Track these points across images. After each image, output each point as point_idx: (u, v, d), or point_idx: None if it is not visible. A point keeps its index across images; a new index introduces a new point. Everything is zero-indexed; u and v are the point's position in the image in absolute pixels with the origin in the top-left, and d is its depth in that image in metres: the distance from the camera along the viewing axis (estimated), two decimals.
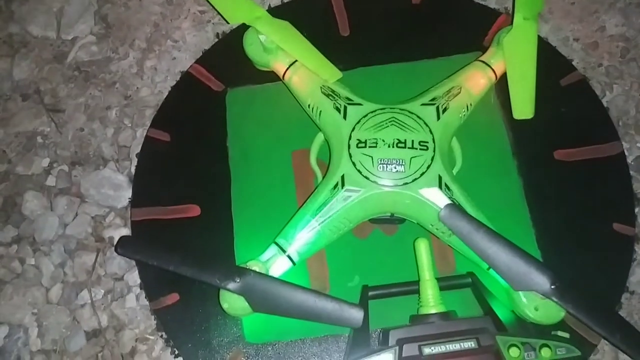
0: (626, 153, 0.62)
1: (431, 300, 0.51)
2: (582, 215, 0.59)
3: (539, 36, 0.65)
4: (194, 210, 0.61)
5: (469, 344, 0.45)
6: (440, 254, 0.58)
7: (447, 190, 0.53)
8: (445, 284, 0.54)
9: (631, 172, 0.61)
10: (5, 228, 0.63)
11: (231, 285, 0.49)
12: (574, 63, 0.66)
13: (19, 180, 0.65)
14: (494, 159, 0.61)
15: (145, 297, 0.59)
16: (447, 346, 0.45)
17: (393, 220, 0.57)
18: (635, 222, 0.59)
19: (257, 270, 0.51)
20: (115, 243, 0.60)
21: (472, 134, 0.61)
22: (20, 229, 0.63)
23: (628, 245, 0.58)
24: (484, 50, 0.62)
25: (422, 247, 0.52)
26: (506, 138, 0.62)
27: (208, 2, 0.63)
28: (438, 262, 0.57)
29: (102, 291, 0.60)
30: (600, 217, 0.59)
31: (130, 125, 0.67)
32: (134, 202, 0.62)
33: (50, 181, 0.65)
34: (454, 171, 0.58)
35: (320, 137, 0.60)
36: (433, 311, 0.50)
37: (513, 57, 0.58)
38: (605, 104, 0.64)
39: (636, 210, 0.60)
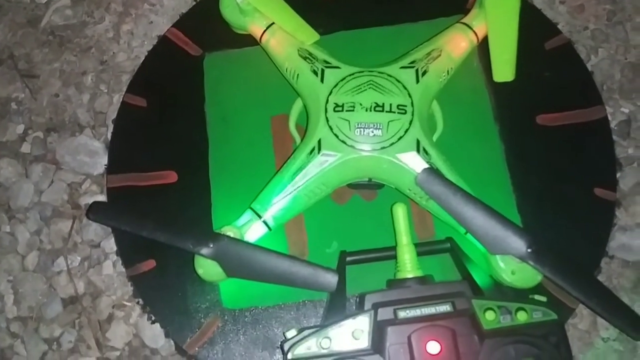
0: (610, 118, 0.61)
1: (408, 265, 0.50)
2: (563, 180, 0.58)
3: None
4: (171, 177, 0.60)
5: (444, 308, 0.45)
6: (419, 219, 0.57)
7: (425, 154, 0.52)
8: (424, 249, 0.53)
9: (614, 137, 0.60)
10: None
11: (204, 251, 0.48)
12: (559, 26, 0.65)
13: None
14: (475, 124, 0.60)
15: (122, 264, 0.58)
16: (422, 310, 0.45)
17: (371, 186, 0.56)
18: (616, 187, 0.58)
19: (232, 235, 0.50)
20: None
21: (454, 99, 0.60)
22: None
23: (609, 210, 0.58)
24: (467, 13, 0.61)
25: (400, 212, 0.52)
26: (488, 102, 0.61)
27: None
28: (417, 228, 0.57)
29: (79, 258, 0.60)
30: (582, 181, 0.58)
31: (106, 91, 0.65)
32: (110, 169, 0.61)
33: (25, 148, 0.64)
34: (435, 135, 0.57)
35: (299, 103, 0.59)
36: (410, 275, 0.50)
37: (494, 18, 0.56)
38: (590, 68, 0.63)
39: (618, 175, 0.59)
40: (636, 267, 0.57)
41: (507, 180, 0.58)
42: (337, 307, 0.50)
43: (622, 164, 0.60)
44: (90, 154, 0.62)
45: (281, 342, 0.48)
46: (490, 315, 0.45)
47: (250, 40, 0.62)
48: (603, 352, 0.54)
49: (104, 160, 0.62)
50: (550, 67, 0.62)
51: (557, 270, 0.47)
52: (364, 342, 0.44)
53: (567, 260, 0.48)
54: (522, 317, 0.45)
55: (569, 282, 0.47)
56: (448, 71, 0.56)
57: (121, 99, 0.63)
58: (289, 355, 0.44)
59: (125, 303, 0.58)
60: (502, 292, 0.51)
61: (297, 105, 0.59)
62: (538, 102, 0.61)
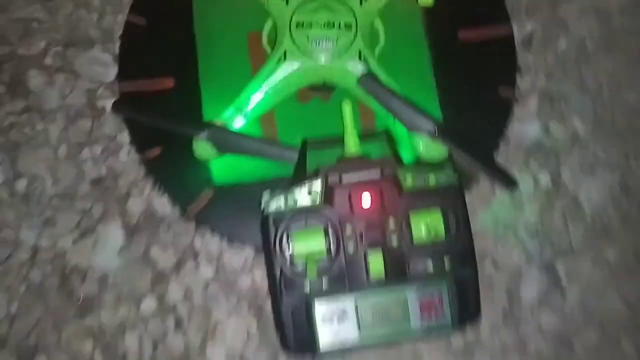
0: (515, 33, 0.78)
1: (352, 147, 0.67)
2: (475, 82, 0.75)
3: None
4: (169, 82, 0.75)
5: (375, 173, 0.61)
6: (364, 113, 0.73)
7: (365, 62, 0.68)
8: (366, 136, 0.70)
9: (517, 48, 0.77)
10: (15, 100, 0.77)
11: (202, 134, 0.66)
12: None
13: (21, 60, 0.78)
14: (409, 38, 0.76)
15: (135, 151, 0.75)
16: (359, 175, 0.60)
17: (326, 88, 0.72)
18: (514, 86, 0.76)
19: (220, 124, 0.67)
20: (108, 110, 0.75)
21: (394, 19, 0.75)
22: (28, 100, 0.77)
23: (508, 105, 0.76)
24: None
25: (347, 108, 0.66)
26: (419, 22, 0.77)
27: None
28: (362, 120, 0.73)
29: (100, 148, 0.76)
30: (488, 82, 0.76)
31: (111, 12, 0.79)
32: (120, 77, 0.76)
33: (48, 61, 0.78)
34: (378, 48, 0.73)
35: (270, 22, 0.74)
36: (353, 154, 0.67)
37: None
38: None
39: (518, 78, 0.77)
40: (528, 150, 0.75)
41: (433, 83, 0.75)
42: (299, 176, 0.66)
43: (522, 69, 0.77)
44: (102, 65, 0.77)
45: (258, 200, 0.65)
46: (408, 179, 0.61)
47: None
48: (497, 206, 0.73)
49: (113, 70, 0.77)
50: None
51: (458, 143, 0.65)
52: (318, 199, 0.62)
53: (465, 136, 0.66)
54: (432, 180, 0.61)
55: (461, 149, 0.65)
56: None
57: (125, 19, 0.78)
58: (265, 211, 0.61)
59: (138, 182, 0.75)
60: (422, 165, 0.69)
61: (268, 24, 0.74)
62: (458, 20, 0.77)
